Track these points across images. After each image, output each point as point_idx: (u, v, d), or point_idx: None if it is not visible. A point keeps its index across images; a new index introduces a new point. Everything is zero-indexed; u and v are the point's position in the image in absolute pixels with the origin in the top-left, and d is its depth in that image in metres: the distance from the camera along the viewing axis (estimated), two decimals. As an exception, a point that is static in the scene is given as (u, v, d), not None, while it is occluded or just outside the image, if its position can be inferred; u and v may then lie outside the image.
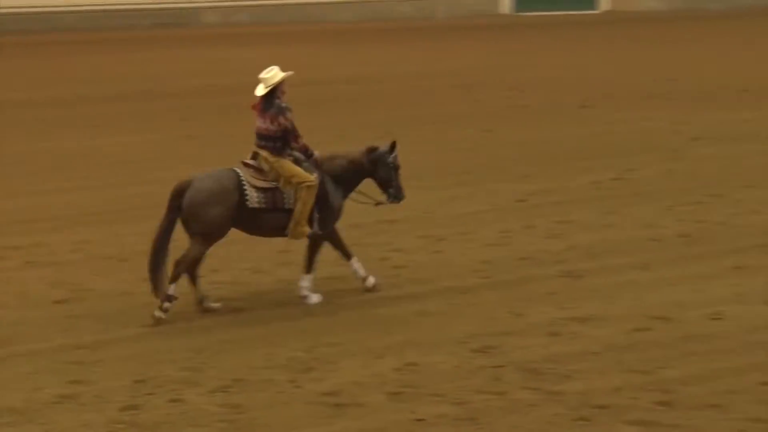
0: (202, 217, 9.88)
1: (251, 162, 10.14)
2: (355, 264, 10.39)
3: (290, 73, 10.17)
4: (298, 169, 10.09)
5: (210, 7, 37.27)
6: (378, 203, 10.61)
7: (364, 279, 10.39)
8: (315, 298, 10.22)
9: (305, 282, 10.25)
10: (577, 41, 30.51)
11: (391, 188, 10.47)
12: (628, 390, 8.13)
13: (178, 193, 9.94)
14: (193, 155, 16.32)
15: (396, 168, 10.46)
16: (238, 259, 11.37)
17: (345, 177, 10.33)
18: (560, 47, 29.13)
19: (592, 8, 38.15)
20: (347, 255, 10.40)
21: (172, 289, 9.83)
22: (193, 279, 10.07)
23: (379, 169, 10.42)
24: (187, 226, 9.97)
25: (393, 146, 10.43)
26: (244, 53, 27.83)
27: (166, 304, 9.80)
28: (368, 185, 10.51)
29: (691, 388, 8.12)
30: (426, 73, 24.86)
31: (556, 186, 14.19)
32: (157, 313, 9.78)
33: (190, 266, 9.97)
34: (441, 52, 28.69)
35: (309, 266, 10.28)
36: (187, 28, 35.56)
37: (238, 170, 10.07)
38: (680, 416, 7.70)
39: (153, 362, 8.84)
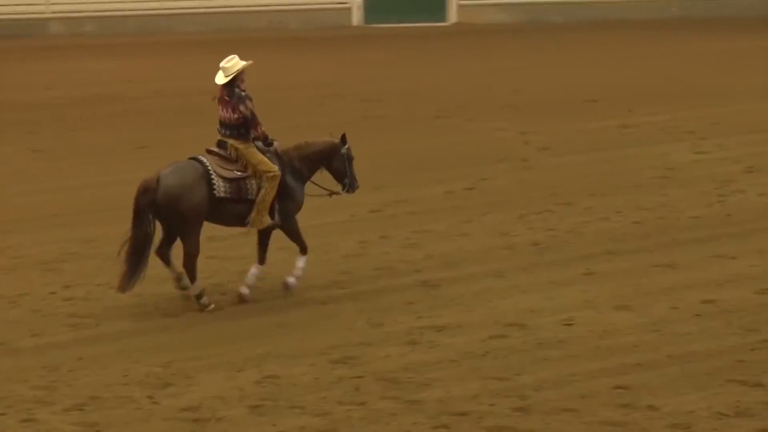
0: (181, 213, 10.08)
1: (217, 150, 10.34)
2: (300, 263, 10.54)
3: (250, 62, 10.44)
4: (264, 158, 10.33)
5: (56, 18, 36.53)
6: (333, 193, 10.93)
7: (293, 276, 10.54)
8: (293, 279, 10.46)
9: (253, 270, 10.49)
10: (428, 52, 30.84)
11: (346, 178, 10.86)
12: (485, 396, 8.25)
13: (145, 190, 10.06)
14: (40, 169, 15.96)
15: (350, 159, 10.84)
16: (93, 274, 11.16)
17: (301, 168, 10.58)
18: (412, 58, 29.41)
19: (442, 20, 38.60)
20: (263, 259, 10.57)
21: (196, 289, 10.21)
22: (167, 260, 10.32)
23: (332, 160, 10.76)
24: (167, 222, 10.17)
25: (343, 138, 10.84)
26: (91, 65, 27.35)
27: (204, 299, 10.22)
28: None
29: (546, 393, 8.29)
30: (279, 85, 24.79)
31: (412, 196, 14.32)
32: (210, 307, 10.18)
33: (193, 261, 10.20)
34: (294, 64, 28.67)
35: (262, 257, 10.55)
36: (32, 39, 34.78)
37: (204, 159, 10.24)
38: (537, 421, 7.85)
39: (3, 381, 8.61)
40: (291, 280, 10.59)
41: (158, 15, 37.95)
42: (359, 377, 8.62)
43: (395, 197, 14.27)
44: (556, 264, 11.38)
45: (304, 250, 10.64)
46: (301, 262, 10.58)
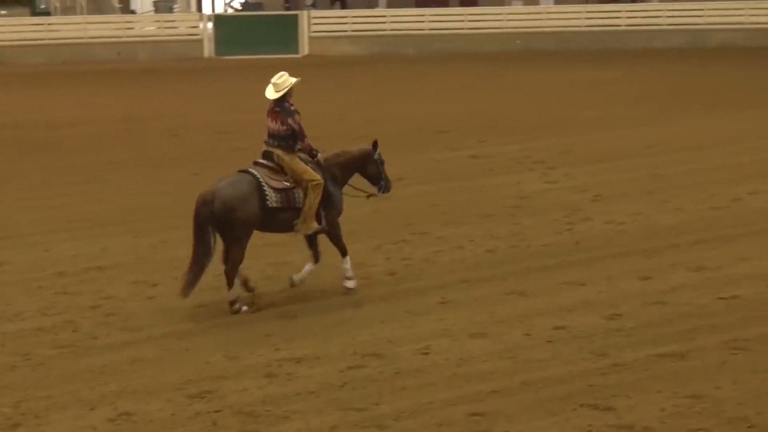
0: (234, 223, 10.78)
1: (265, 162, 11.07)
2: (347, 263, 11.31)
3: (299, 79, 11.18)
4: (307, 168, 11.07)
5: None
6: (370, 195, 11.83)
7: (348, 279, 11.34)
8: (352, 284, 11.32)
9: (347, 264, 11.30)
10: (280, 84, 30.85)
11: (381, 181, 11.76)
12: (344, 428, 8.22)
13: (204, 203, 10.74)
14: None
15: (382, 163, 11.71)
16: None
17: (339, 175, 11.40)
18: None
19: (295, 52, 38.64)
20: (317, 258, 11.34)
21: (233, 294, 10.83)
22: (242, 278, 11.05)
23: (367, 165, 11.63)
24: (221, 232, 10.79)
25: (375, 144, 11.64)
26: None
27: (237, 305, 10.83)
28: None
29: (405, 423, 8.29)
30: (131, 117, 24.46)
31: (267, 228, 14.22)
32: (244, 309, 10.83)
33: (236, 268, 10.87)
34: (145, 96, 28.32)
35: (316, 256, 11.35)
36: None
37: (255, 172, 10.96)
38: (396, 451, 7.84)
39: None
40: (349, 283, 11.39)
41: (3, 46, 37.08)
42: (217, 411, 8.50)
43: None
44: (413, 293, 11.44)
45: (344, 253, 11.41)
46: (346, 263, 11.37)
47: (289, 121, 11.06)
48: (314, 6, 42.97)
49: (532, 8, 40.04)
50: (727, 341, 9.75)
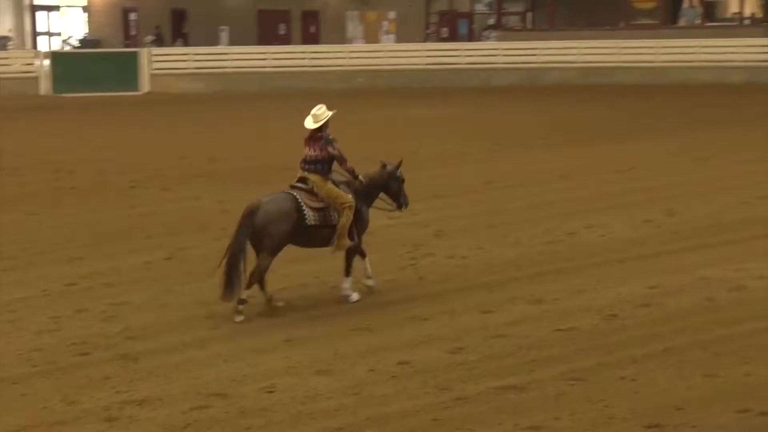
0: (272, 233, 11.85)
1: (301, 185, 12.19)
2: (367, 264, 12.65)
3: (335, 111, 12.48)
4: (340, 191, 12.27)
5: None
6: (391, 210, 12.99)
7: (369, 278, 12.68)
8: (355, 297, 12.42)
9: (347, 284, 12.41)
10: (121, 121, 30.40)
11: (401, 197, 12.91)
12: (188, 470, 8.08)
13: (250, 213, 11.82)
14: None
15: (402, 181, 12.89)
16: None
17: (367, 193, 12.60)
18: (105, 128, 28.90)
19: (135, 89, 38.15)
20: (363, 253, 12.58)
21: (245, 294, 11.73)
22: (262, 285, 12.05)
23: (390, 183, 12.80)
24: (258, 241, 11.85)
25: (399, 164, 12.94)
26: None
27: (241, 306, 11.69)
28: None
29: (250, 463, 8.20)
30: (-35, 156, 23.75)
31: (109, 267, 13.97)
32: (238, 318, 11.64)
33: (262, 275, 11.92)
34: (-20, 134, 27.55)
35: (348, 270, 12.44)
36: None
37: (294, 193, 12.10)
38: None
39: None
40: (370, 281, 12.70)
41: None
42: (55, 458, 8.27)
43: (91, 269, 13.88)
44: (258, 331, 11.36)
45: (364, 255, 12.66)
46: (367, 263, 12.68)
47: (329, 149, 12.29)
48: (156, 43, 42.55)
49: (373, 46, 40.49)
50: (565, 372, 9.95)
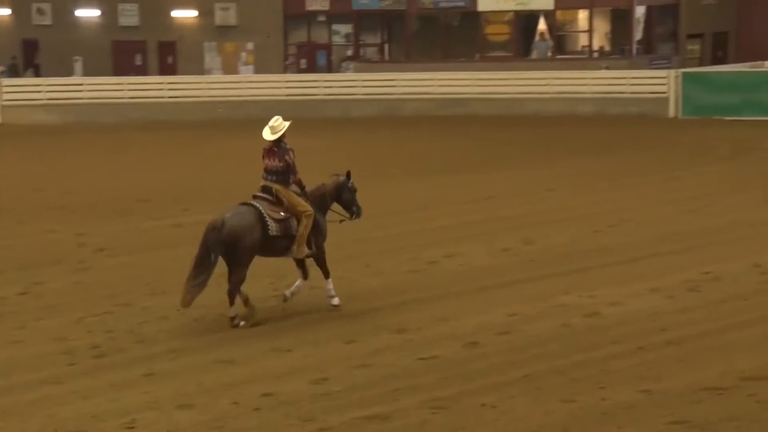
0: (239, 248, 12.37)
1: (263, 195, 12.71)
2: (329, 285, 13.13)
3: (291, 121, 12.96)
4: (300, 200, 12.81)
5: None
6: (342, 220, 13.58)
7: (332, 297, 13.11)
8: (336, 301, 13.10)
9: (329, 285, 13.08)
10: (-28, 154, 29.60)
11: (354, 206, 13.55)
12: None
13: (213, 229, 12.31)
14: None
15: (354, 191, 13.49)
16: None
17: (320, 203, 13.09)
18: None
19: (-13, 121, 37.16)
20: (306, 275, 13.15)
21: (232, 312, 12.45)
22: (243, 296, 12.55)
23: (342, 193, 13.41)
24: (227, 256, 12.38)
25: (348, 175, 13.43)
26: None
27: (236, 322, 12.42)
28: None
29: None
30: None
31: (-40, 304, 13.54)
32: (242, 323, 12.45)
33: (238, 288, 12.47)
34: None
35: (305, 274, 13.15)
36: None
37: (257, 204, 12.60)
38: None
39: None
40: (334, 301, 13.14)
41: None
42: None
43: (-58, 306, 13.44)
44: (117, 366, 11.14)
45: (327, 275, 13.15)
46: (329, 284, 13.13)
47: (286, 157, 12.78)
48: (9, 73, 41.57)
49: (232, 77, 40.31)
50: (428, 401, 10.01)
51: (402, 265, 15.56)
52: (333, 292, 13.14)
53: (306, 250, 12.96)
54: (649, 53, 38.65)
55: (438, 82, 36.75)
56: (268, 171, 12.85)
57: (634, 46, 38.27)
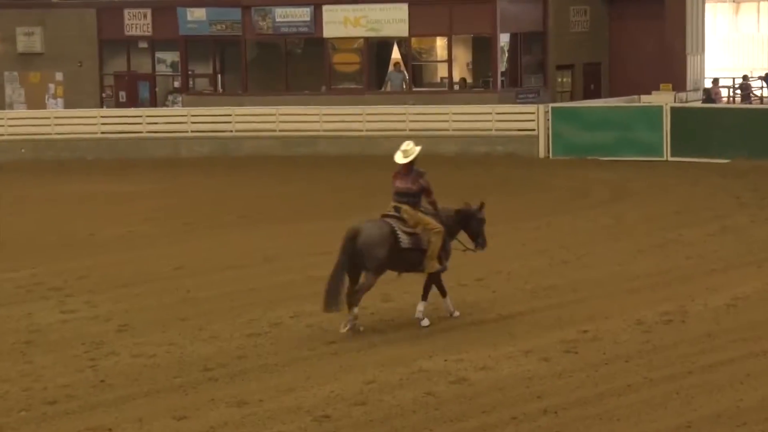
0: (373, 255, 14.90)
1: (393, 213, 15.24)
2: (448, 301, 15.70)
3: (421, 147, 15.44)
4: (429, 219, 15.27)
5: None
6: (466, 249, 15.96)
7: (451, 313, 15.69)
8: (426, 322, 15.34)
9: (421, 307, 15.42)
10: None
11: (480, 238, 15.86)
12: None
13: (351, 237, 14.92)
14: None
15: (483, 222, 15.80)
16: None
17: (449, 227, 15.49)
18: None
19: None
20: (443, 292, 15.65)
21: (355, 311, 14.97)
22: (356, 302, 15.03)
23: (471, 222, 15.73)
24: (360, 262, 14.92)
25: (482, 206, 15.77)
26: None
27: (352, 323, 14.92)
28: None
29: None
30: None
31: None
32: (344, 329, 14.87)
33: (364, 293, 15.09)
34: None
35: (425, 295, 15.48)
36: None
37: (389, 221, 15.15)
38: None
39: None
40: (456, 313, 15.71)
41: None
42: None
43: None
44: None
45: (444, 293, 15.67)
46: (448, 301, 15.72)
47: (420, 180, 15.26)
48: None
49: (38, 113, 39.59)
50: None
51: (241, 328, 15.41)
52: (422, 315, 15.39)
53: (437, 266, 15.34)
54: (516, 86, 39.34)
55: (280, 117, 36.75)
56: (399, 193, 15.35)
57: (499, 78, 38.90)
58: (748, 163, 30.39)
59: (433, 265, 15.27)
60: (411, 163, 15.27)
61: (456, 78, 39.55)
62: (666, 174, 29.56)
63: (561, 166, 32.65)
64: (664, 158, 31.99)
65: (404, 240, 15.04)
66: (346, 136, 35.98)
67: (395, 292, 17.12)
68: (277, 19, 39.35)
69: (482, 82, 39.49)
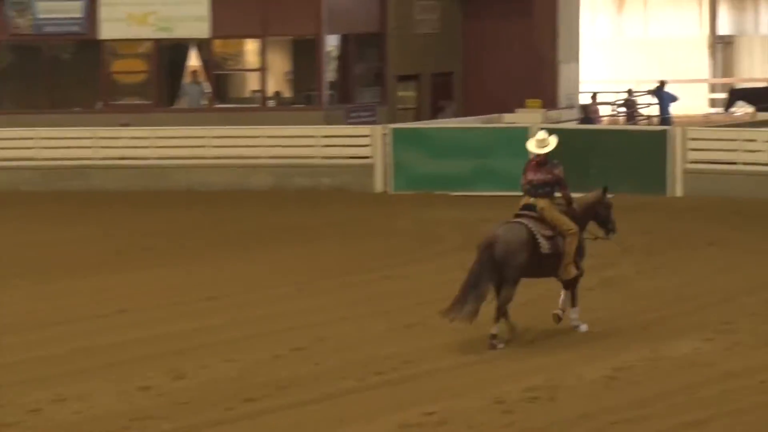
0: (512, 264, 17.32)
1: (529, 213, 17.67)
2: (575, 314, 18.43)
3: (557, 138, 18.14)
4: (564, 217, 17.74)
5: None
6: (596, 238, 18.81)
7: (576, 327, 18.42)
8: (584, 327, 18.38)
9: (575, 314, 18.32)
10: None
11: (609, 224, 18.60)
12: None
13: (488, 246, 17.34)
14: None
15: (610, 206, 18.57)
16: None
17: (580, 221, 18.06)
18: None
19: None
20: (574, 301, 18.42)
21: (495, 329, 17.57)
22: (505, 314, 17.73)
23: (598, 209, 18.43)
24: (499, 273, 17.37)
25: (605, 190, 18.59)
26: None
27: (494, 341, 17.58)
28: None
29: None
30: None
31: None
32: (499, 346, 17.63)
33: (506, 305, 17.60)
34: None
35: (574, 300, 18.30)
36: None
37: (525, 222, 17.53)
38: None
39: None
40: (582, 328, 18.52)
41: None
42: None
43: None
44: None
45: (575, 302, 18.37)
46: (575, 313, 18.42)
47: (555, 171, 17.83)
48: None
49: None
50: None
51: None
52: (578, 322, 18.30)
53: (574, 271, 17.87)
54: (347, 101, 39.42)
55: (42, 143, 36.14)
56: (532, 184, 17.77)
57: (326, 92, 38.93)
58: (632, 198, 30.64)
59: (570, 271, 17.86)
60: (546, 153, 17.89)
61: (271, 91, 39.52)
62: (534, 213, 29.85)
63: (403, 203, 32.80)
64: (532, 193, 32.37)
65: (544, 245, 17.51)
66: (129, 166, 35.51)
67: (190, 365, 17.08)
68: (40, 15, 38.79)
69: (304, 96, 39.56)
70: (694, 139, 33.20)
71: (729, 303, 20.91)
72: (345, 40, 39.81)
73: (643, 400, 15.63)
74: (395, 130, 35.00)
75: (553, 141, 18.01)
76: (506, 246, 17.30)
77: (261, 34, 38.99)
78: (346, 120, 38.12)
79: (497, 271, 17.36)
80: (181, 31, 38.93)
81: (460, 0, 41.78)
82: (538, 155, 17.99)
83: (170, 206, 32.92)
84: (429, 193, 33.37)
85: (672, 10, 56.08)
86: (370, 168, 34.65)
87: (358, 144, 35.22)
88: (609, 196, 18.67)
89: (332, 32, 39.22)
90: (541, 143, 18.01)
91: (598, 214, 18.54)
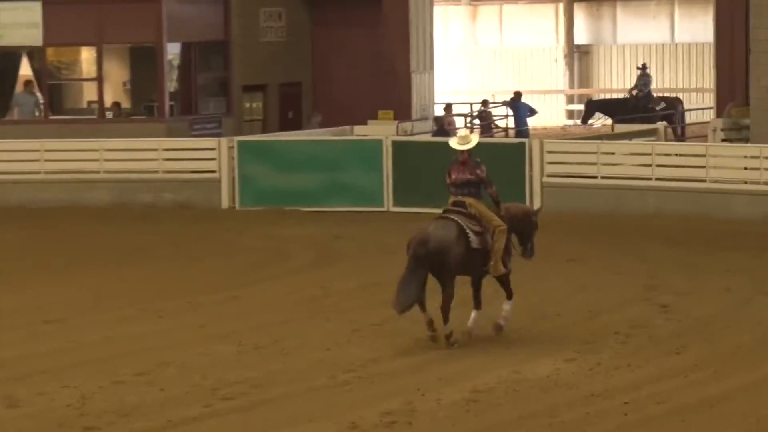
0: (449, 258, 18.41)
1: (457, 209, 18.63)
2: (508, 306, 19.43)
3: (479, 136, 21.17)
4: (493, 215, 18.66)
5: None
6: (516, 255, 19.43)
7: (504, 319, 19.49)
8: (503, 322, 19.54)
9: (507, 306, 19.45)
10: None
11: (530, 243, 19.44)
12: None
13: (420, 243, 18.42)
14: None
15: (536, 227, 19.49)
16: None
17: (513, 223, 19.04)
18: None
19: None
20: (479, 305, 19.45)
21: (448, 329, 18.83)
22: (423, 306, 18.78)
23: (524, 225, 19.27)
24: (435, 270, 18.52)
25: (539, 209, 20.32)
26: None
27: (454, 341, 18.88)
28: None
29: None
30: None
31: None
32: (455, 345, 18.97)
33: (450, 303, 18.70)
34: None
35: (478, 304, 19.44)
36: None
37: (453, 217, 18.56)
38: None
39: None
40: (501, 321, 19.19)
41: None
42: None
43: None
44: None
45: (510, 295, 19.25)
46: (507, 305, 19.36)
47: (477, 171, 18.80)
48: None
49: None
50: None
51: None
52: (508, 315, 19.29)
53: (502, 268, 18.82)
54: (190, 113, 39.26)
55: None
56: (457, 185, 18.72)
57: (167, 103, 38.76)
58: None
59: (498, 268, 18.81)
60: (469, 152, 18.84)
61: (109, 102, 39.26)
62: (386, 229, 29.68)
63: (251, 219, 32.77)
64: (385, 208, 32.29)
65: (474, 240, 18.50)
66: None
67: (26, 392, 16.89)
68: None
69: (144, 107, 39.33)
70: (552, 152, 33.48)
71: (590, 321, 21.15)
72: (187, 48, 39.64)
73: (504, 424, 15.74)
74: (241, 142, 34.89)
75: (474, 138, 19.25)
76: (438, 243, 18.31)
77: (97, 41, 38.70)
78: (190, 132, 37.97)
79: (431, 268, 18.42)
80: (12, 39, 38.54)
81: (308, 7, 41.72)
82: (462, 154, 18.90)
83: (1, 224, 32.52)
84: (278, 208, 33.37)
85: (528, 18, 56.45)
86: (215, 183, 34.54)
87: (203, 157, 35.14)
88: (537, 216, 19.84)
89: (173, 40, 39.02)
90: (463, 140, 19.09)
91: (522, 231, 19.46)
